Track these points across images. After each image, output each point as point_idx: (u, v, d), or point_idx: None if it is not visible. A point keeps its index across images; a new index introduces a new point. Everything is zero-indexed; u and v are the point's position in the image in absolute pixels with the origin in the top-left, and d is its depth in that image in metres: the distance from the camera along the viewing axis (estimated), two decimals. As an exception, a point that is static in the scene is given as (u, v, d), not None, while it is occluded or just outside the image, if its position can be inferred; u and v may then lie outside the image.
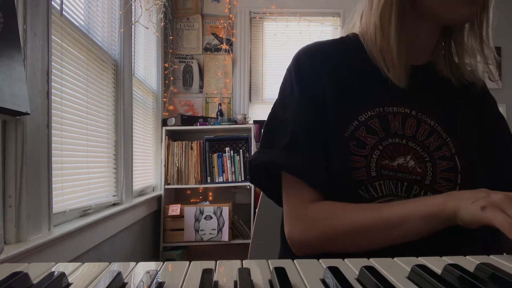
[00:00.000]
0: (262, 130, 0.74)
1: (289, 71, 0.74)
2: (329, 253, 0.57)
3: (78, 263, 0.41)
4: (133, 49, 2.34)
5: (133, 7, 2.31)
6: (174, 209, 2.79)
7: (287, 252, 0.69)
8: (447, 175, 0.66)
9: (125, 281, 0.36)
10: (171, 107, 3.23)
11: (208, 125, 3.00)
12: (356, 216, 0.60)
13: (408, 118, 0.68)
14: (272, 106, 0.75)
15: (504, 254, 0.45)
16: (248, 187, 3.07)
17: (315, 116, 0.68)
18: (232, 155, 2.96)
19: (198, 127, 2.98)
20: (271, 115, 0.73)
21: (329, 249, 0.63)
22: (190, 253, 3.08)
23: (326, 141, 0.66)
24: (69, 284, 0.36)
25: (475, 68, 0.74)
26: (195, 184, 2.92)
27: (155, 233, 2.85)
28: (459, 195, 0.54)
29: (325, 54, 0.73)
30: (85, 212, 1.68)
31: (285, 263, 0.40)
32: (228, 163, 2.95)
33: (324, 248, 0.63)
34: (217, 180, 2.95)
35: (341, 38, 0.77)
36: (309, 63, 0.72)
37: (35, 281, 0.35)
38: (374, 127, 0.67)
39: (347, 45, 0.75)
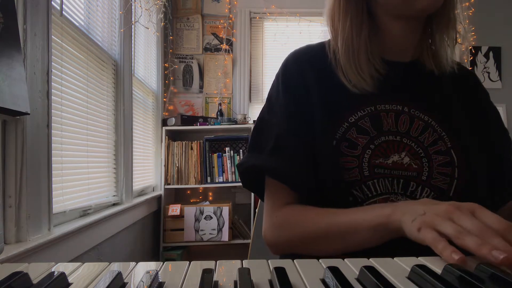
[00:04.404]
0: (251, 134, 0.76)
1: (277, 76, 0.76)
2: (301, 254, 0.59)
3: (78, 263, 0.41)
4: (133, 49, 2.34)
5: (133, 7, 2.31)
6: (174, 209, 2.79)
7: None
8: (444, 169, 0.66)
9: (125, 281, 0.36)
10: (171, 107, 3.23)
11: (208, 125, 3.00)
12: (316, 221, 0.62)
13: (401, 115, 0.69)
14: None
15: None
16: (248, 187, 3.07)
17: (299, 121, 0.69)
18: (232, 155, 2.96)
19: (198, 127, 2.98)
20: (258, 119, 0.75)
21: (296, 251, 0.65)
22: (190, 253, 3.08)
23: (312, 144, 0.68)
24: (69, 284, 0.35)
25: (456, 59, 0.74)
26: (195, 184, 2.92)
27: (155, 233, 2.85)
28: (403, 208, 0.53)
29: (313, 58, 0.74)
30: (85, 212, 1.68)
31: (285, 263, 0.40)
32: (228, 163, 2.95)
33: (292, 250, 0.66)
34: (217, 180, 2.95)
35: (329, 41, 0.79)
36: (296, 69, 0.73)
37: (35, 281, 0.35)
38: (364, 127, 0.67)
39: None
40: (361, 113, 0.68)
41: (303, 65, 0.73)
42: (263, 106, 0.76)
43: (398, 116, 0.69)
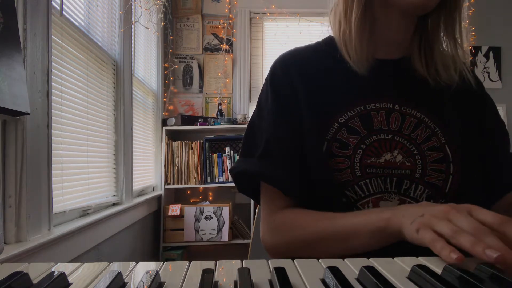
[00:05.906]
0: (243, 138, 0.76)
1: (266, 81, 0.76)
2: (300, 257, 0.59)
3: (78, 263, 0.41)
4: (133, 49, 2.34)
5: (133, 7, 2.31)
6: (174, 209, 2.79)
7: None
8: (438, 166, 0.66)
9: (125, 281, 0.36)
10: (171, 107, 3.23)
11: (208, 125, 3.00)
12: (315, 225, 0.62)
13: (392, 113, 0.69)
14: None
15: None
16: (248, 187, 3.07)
17: (288, 124, 0.69)
18: (232, 155, 2.96)
19: (198, 127, 2.98)
20: (249, 124, 0.76)
21: (295, 254, 0.65)
22: (190, 253, 3.08)
23: (302, 148, 0.68)
24: (69, 284, 0.35)
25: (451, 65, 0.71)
26: (195, 184, 2.92)
27: (155, 233, 2.85)
28: (403, 211, 0.53)
29: (301, 62, 0.74)
30: (85, 212, 1.68)
31: (285, 263, 0.40)
32: (228, 163, 2.95)
33: (290, 253, 0.66)
34: (217, 180, 2.95)
35: (317, 43, 0.79)
36: (284, 73, 0.73)
37: (35, 281, 0.35)
38: (355, 127, 0.67)
39: (322, 50, 0.76)
40: (351, 113, 0.68)
41: (290, 69, 0.73)
42: (253, 110, 0.77)
43: (389, 114, 0.68)
